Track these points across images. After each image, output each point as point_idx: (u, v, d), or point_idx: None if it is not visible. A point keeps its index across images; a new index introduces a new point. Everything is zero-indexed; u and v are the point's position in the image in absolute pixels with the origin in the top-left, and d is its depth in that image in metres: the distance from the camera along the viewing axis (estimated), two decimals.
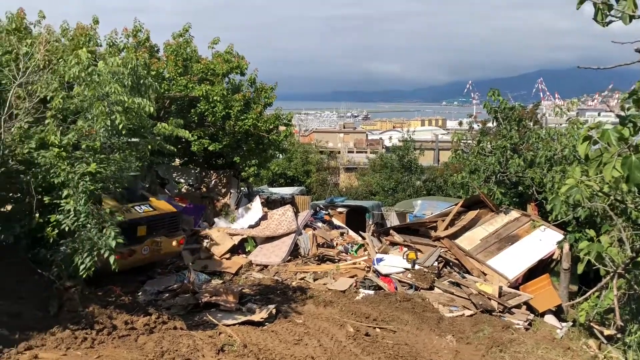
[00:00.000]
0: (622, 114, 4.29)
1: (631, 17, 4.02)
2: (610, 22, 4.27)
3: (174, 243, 11.78)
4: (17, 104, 8.45)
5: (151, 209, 11.53)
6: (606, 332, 8.81)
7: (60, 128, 8.27)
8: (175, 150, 12.88)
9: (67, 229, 7.54)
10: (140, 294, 10.78)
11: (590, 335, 9.71)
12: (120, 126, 7.80)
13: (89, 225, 7.51)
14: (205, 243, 14.08)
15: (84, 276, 7.55)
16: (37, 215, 8.15)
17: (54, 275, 8.01)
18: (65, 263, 7.71)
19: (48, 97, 8.46)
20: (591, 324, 9.03)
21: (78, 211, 7.48)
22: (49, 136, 7.94)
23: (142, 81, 8.44)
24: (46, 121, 8.19)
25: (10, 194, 8.61)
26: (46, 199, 7.98)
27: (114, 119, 7.79)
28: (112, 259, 7.43)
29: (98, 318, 7.57)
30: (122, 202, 10.96)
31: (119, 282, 10.82)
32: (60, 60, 9.10)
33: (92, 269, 7.36)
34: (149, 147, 9.37)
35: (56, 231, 7.68)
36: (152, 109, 8.21)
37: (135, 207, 11.27)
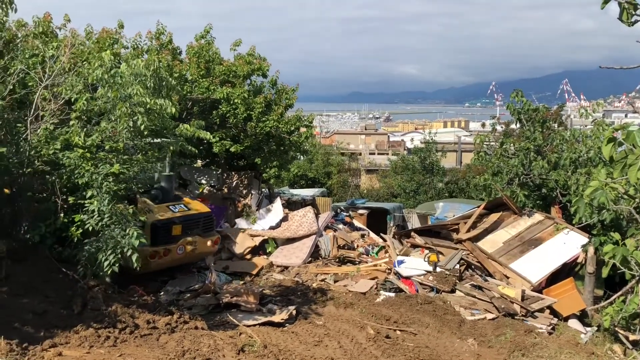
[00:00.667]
0: None
1: None
2: (636, 21, 4.20)
3: (209, 243, 11.80)
4: (43, 105, 8.63)
5: (186, 209, 11.55)
6: (631, 337, 8.65)
7: (85, 129, 8.42)
8: (197, 151, 13.01)
9: (90, 228, 7.67)
10: (162, 293, 10.88)
11: (615, 341, 9.54)
12: (142, 127, 7.91)
13: (112, 225, 7.64)
14: (227, 244, 14.16)
15: (108, 273, 7.68)
16: (62, 215, 8.31)
17: (79, 275, 8.13)
18: (89, 262, 7.84)
19: (73, 99, 8.62)
20: (616, 328, 8.88)
21: (102, 211, 7.62)
22: (73, 137, 8.09)
23: (164, 83, 8.54)
24: (71, 122, 8.35)
25: (37, 194, 8.78)
26: (71, 199, 8.14)
27: (136, 119, 7.91)
28: (135, 257, 7.55)
29: (121, 317, 7.67)
30: (156, 201, 11.11)
31: (142, 282, 10.96)
32: (84, 62, 9.26)
33: (116, 265, 7.50)
34: (171, 148, 9.49)
35: (80, 231, 7.83)
36: (174, 110, 8.31)
37: (170, 207, 11.29)
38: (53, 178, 8.32)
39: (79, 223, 7.81)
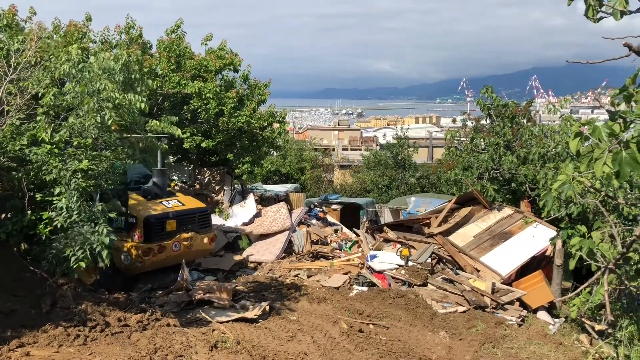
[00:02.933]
0: (613, 109, 4.30)
1: (622, 13, 4.02)
2: (601, 18, 4.28)
3: (205, 240, 11.54)
4: (8, 100, 8.42)
5: (180, 204, 11.26)
6: (597, 327, 8.86)
7: (52, 125, 8.25)
8: (168, 147, 12.86)
9: (59, 225, 7.53)
10: (134, 291, 10.75)
11: (582, 331, 9.77)
12: (110, 122, 7.77)
13: (81, 222, 7.52)
14: None
15: (74, 268, 7.57)
16: (30, 212, 8.13)
17: (47, 272, 7.98)
18: (57, 259, 7.70)
19: (39, 94, 8.43)
20: (583, 319, 9.08)
21: (70, 208, 7.48)
22: (40, 133, 7.92)
23: (133, 77, 8.41)
24: (37, 118, 8.17)
25: (3, 191, 8.58)
26: (38, 196, 7.96)
27: (103, 115, 7.77)
28: (105, 254, 7.46)
29: (91, 315, 7.55)
30: (149, 197, 10.90)
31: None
32: (51, 56, 9.07)
33: (84, 261, 7.39)
34: (141, 144, 9.36)
35: (49, 228, 7.67)
36: (143, 105, 8.19)
37: (164, 202, 11.02)
38: (20, 175, 8.13)
39: (47, 220, 7.66)
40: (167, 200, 11.14)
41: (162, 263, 10.84)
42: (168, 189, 11.96)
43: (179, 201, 11.33)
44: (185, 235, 10.97)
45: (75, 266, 7.41)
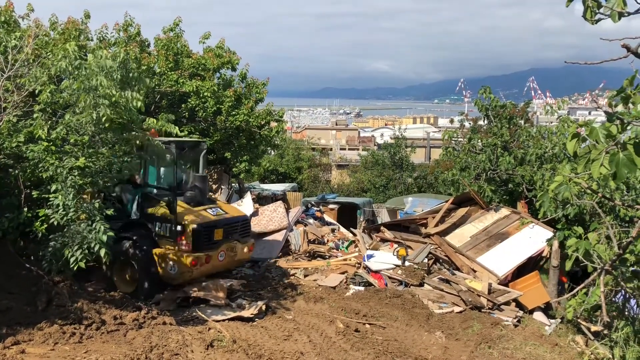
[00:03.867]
0: (611, 111, 4.31)
1: (620, 15, 4.03)
2: (600, 19, 4.28)
3: (245, 249, 11.11)
4: (6, 97, 8.40)
5: (223, 212, 10.78)
6: (593, 328, 8.87)
7: (49, 122, 8.23)
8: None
9: (56, 223, 7.51)
10: None
11: (578, 332, 9.78)
12: (104, 119, 7.75)
13: (78, 219, 7.50)
14: None
15: (74, 269, 7.52)
16: (26, 209, 8.11)
17: (43, 270, 7.96)
18: (54, 257, 7.67)
19: (37, 91, 8.41)
20: (579, 320, 9.10)
21: (67, 205, 7.46)
22: (37, 130, 7.90)
23: (131, 75, 8.39)
24: (34, 115, 8.15)
25: None
26: (35, 194, 7.94)
27: (99, 111, 7.74)
28: (102, 252, 7.41)
29: (87, 313, 7.55)
30: (192, 204, 10.38)
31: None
32: (49, 54, 9.04)
33: (83, 261, 7.35)
34: (138, 142, 9.34)
35: (45, 226, 7.65)
36: (140, 104, 8.16)
37: (208, 210, 10.51)
38: (16, 172, 8.12)
39: (43, 218, 7.64)
40: (211, 208, 10.68)
41: (207, 272, 10.38)
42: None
43: (221, 209, 10.91)
44: (230, 244, 10.60)
45: (74, 267, 7.37)
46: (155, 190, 10.65)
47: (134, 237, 10.03)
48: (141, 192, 10.46)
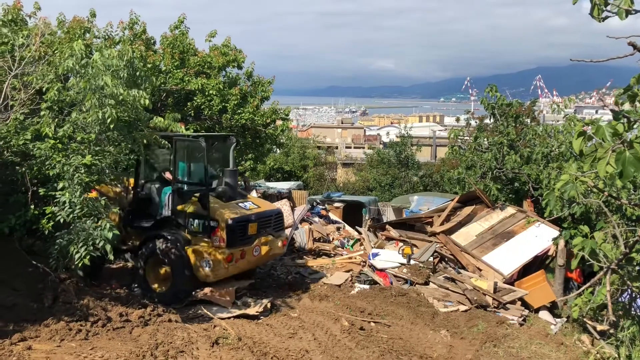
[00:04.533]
0: (617, 109, 4.29)
1: (627, 12, 4.01)
2: (607, 17, 4.26)
3: (280, 244, 10.89)
4: (13, 95, 8.44)
5: (256, 206, 10.57)
6: (599, 327, 8.84)
7: (56, 120, 8.27)
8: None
9: (62, 220, 7.55)
10: (135, 288, 10.73)
11: (584, 331, 9.75)
12: (109, 119, 7.77)
13: (84, 217, 7.53)
14: None
15: (80, 266, 7.56)
16: (33, 207, 8.15)
17: (50, 268, 8.00)
18: (60, 255, 7.70)
19: (43, 89, 8.45)
20: (584, 319, 9.07)
21: (73, 203, 7.49)
22: (44, 128, 7.94)
23: (137, 73, 8.42)
24: (41, 113, 8.19)
25: (6, 186, 8.60)
26: (41, 191, 7.99)
27: (105, 111, 7.77)
28: (108, 249, 7.44)
29: (93, 310, 7.58)
30: (224, 199, 10.22)
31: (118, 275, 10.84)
32: (55, 52, 9.07)
33: (87, 258, 7.38)
34: (145, 140, 9.36)
35: (51, 223, 7.69)
36: (147, 102, 8.19)
37: (240, 205, 10.32)
38: (23, 169, 8.16)
39: (50, 215, 7.67)
40: (243, 203, 10.46)
41: (242, 268, 10.15)
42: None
43: (253, 203, 10.71)
44: (264, 238, 10.36)
45: (79, 263, 7.40)
46: (187, 187, 10.45)
47: (166, 235, 9.86)
48: (172, 188, 10.30)
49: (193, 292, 9.76)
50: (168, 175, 10.68)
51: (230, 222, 9.58)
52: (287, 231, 14.60)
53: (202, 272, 9.59)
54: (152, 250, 9.85)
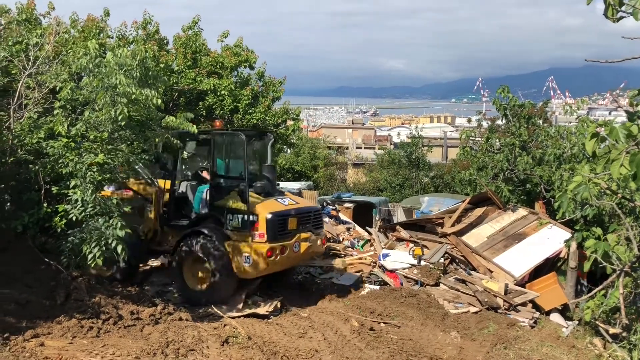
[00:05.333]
0: (632, 110, 4.26)
1: None
2: (621, 18, 4.23)
3: (319, 242, 10.67)
4: (27, 94, 8.52)
5: (294, 202, 10.41)
6: (612, 330, 8.76)
7: (69, 119, 8.33)
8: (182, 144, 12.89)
9: (74, 219, 7.60)
10: (146, 287, 10.76)
11: (596, 334, 9.67)
12: (120, 117, 7.82)
13: (96, 215, 7.57)
14: None
15: (92, 266, 7.60)
16: (46, 204, 8.22)
17: (62, 265, 8.06)
18: (73, 253, 7.76)
19: (57, 88, 8.52)
20: (597, 322, 8.99)
21: (85, 201, 7.54)
22: (57, 126, 8.00)
23: (150, 73, 8.47)
24: (55, 111, 8.25)
25: (20, 184, 8.69)
26: (54, 189, 8.05)
27: (117, 109, 7.82)
28: (120, 248, 7.46)
29: (104, 308, 7.63)
30: (262, 195, 10.08)
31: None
32: (69, 51, 9.14)
33: (101, 258, 7.41)
34: (157, 140, 9.41)
35: (64, 221, 7.74)
36: (159, 102, 8.23)
37: (279, 200, 10.19)
38: (36, 167, 8.23)
39: (62, 213, 7.73)
40: (282, 198, 10.31)
41: (282, 265, 9.99)
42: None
43: (292, 199, 10.53)
44: (304, 235, 10.12)
45: (92, 263, 7.44)
46: (226, 182, 10.34)
47: (205, 231, 9.71)
48: (210, 184, 10.23)
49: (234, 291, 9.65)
50: (205, 174, 10.65)
51: (270, 216, 9.48)
52: None
53: (242, 268, 9.45)
54: (189, 248, 9.74)
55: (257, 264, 9.40)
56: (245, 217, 9.58)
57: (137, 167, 10.18)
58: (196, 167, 11.27)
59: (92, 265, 7.47)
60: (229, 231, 9.72)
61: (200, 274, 9.93)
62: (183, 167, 11.50)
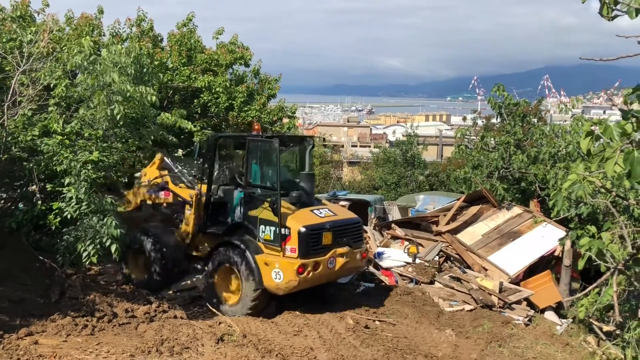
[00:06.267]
0: (626, 108, 4.26)
1: (637, 11, 3.98)
2: (616, 16, 4.24)
3: (358, 256, 9.85)
4: (21, 91, 8.48)
5: (332, 214, 9.65)
6: (605, 328, 8.81)
7: (64, 116, 8.31)
8: (178, 141, 12.88)
9: (69, 216, 7.58)
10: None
11: (590, 332, 9.72)
12: (119, 116, 7.80)
13: (90, 213, 7.56)
14: None
15: (87, 264, 7.58)
16: (40, 202, 8.20)
17: (57, 263, 8.05)
18: (67, 251, 7.74)
19: (51, 85, 8.49)
20: (591, 320, 9.04)
21: (80, 199, 7.52)
22: (52, 124, 7.98)
23: (145, 70, 8.45)
24: (49, 109, 8.23)
25: (14, 181, 8.66)
26: (49, 187, 8.03)
27: (113, 108, 7.80)
28: (114, 248, 7.45)
29: (99, 305, 7.61)
30: (297, 205, 9.40)
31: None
32: (64, 48, 9.11)
33: (95, 256, 7.40)
34: (152, 137, 9.39)
35: (58, 219, 7.73)
36: (154, 99, 8.22)
37: (314, 212, 9.44)
38: (31, 165, 8.20)
39: (57, 211, 7.71)
40: (319, 209, 9.58)
41: (314, 282, 9.25)
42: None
43: (330, 210, 9.78)
44: (340, 250, 9.35)
45: (87, 261, 7.42)
46: (260, 191, 9.78)
47: (236, 242, 9.32)
48: (242, 193, 9.72)
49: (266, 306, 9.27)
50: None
51: (302, 230, 8.83)
52: None
53: (272, 284, 8.94)
54: (222, 258, 9.42)
55: (287, 281, 8.85)
56: (277, 229, 8.97)
57: (179, 170, 9.92)
58: (235, 171, 10.75)
59: (87, 263, 7.46)
60: (261, 244, 9.22)
61: (232, 287, 9.57)
62: (225, 171, 11.12)
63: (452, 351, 8.54)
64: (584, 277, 12.46)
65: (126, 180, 12.66)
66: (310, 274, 8.92)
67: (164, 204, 10.79)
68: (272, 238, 9.03)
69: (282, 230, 8.90)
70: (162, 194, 10.61)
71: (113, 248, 7.45)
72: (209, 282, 9.60)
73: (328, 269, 9.21)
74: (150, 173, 10.87)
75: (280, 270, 8.82)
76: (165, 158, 11.01)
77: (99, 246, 7.40)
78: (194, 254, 10.19)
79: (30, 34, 9.08)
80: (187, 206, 10.28)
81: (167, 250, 10.12)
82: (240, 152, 10.56)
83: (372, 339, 8.46)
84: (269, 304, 9.32)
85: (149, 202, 10.93)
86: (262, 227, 9.17)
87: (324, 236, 9.14)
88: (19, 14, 10.98)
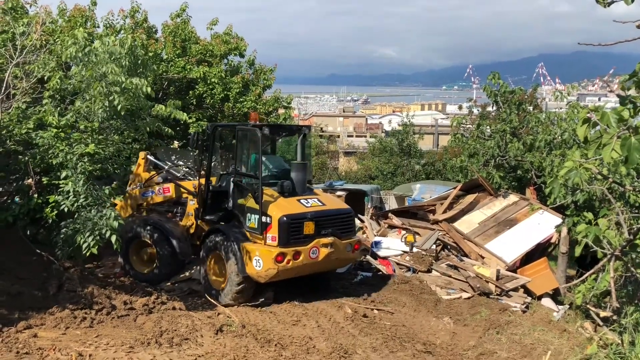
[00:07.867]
0: (623, 94, 4.27)
1: None
2: (612, 2, 4.23)
3: (347, 248, 9.84)
4: (14, 84, 8.43)
5: (319, 204, 9.65)
6: (602, 314, 8.85)
7: (58, 109, 8.27)
8: (174, 132, 12.83)
9: (66, 209, 7.57)
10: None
11: (587, 318, 9.76)
12: (119, 107, 7.77)
13: (88, 206, 7.54)
14: None
15: (87, 256, 7.58)
16: (36, 195, 8.18)
17: (54, 256, 8.04)
18: (66, 244, 7.72)
19: (45, 77, 8.44)
20: (587, 306, 9.08)
21: (77, 192, 7.50)
22: (46, 117, 7.94)
23: (139, 61, 8.40)
24: (44, 101, 8.18)
25: (9, 175, 8.63)
26: (45, 180, 8.01)
27: (112, 99, 7.77)
28: (114, 239, 7.44)
29: (97, 298, 7.62)
30: (285, 194, 9.45)
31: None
32: (57, 40, 9.05)
33: (95, 247, 7.39)
34: (147, 129, 9.35)
35: (55, 212, 7.71)
36: (149, 90, 8.17)
37: (301, 201, 9.47)
38: (26, 158, 8.17)
39: (53, 204, 7.69)
40: (306, 199, 9.58)
41: (297, 271, 9.28)
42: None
43: (318, 200, 9.76)
44: (324, 240, 9.32)
45: (87, 253, 7.42)
46: (243, 179, 9.89)
47: (222, 229, 9.48)
48: (232, 182, 9.78)
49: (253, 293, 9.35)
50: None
51: (283, 218, 8.89)
52: None
53: (254, 272, 8.99)
54: (211, 244, 9.54)
55: (267, 269, 8.88)
56: (260, 218, 9.09)
57: (182, 161, 9.86)
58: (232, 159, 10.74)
59: (87, 254, 7.46)
60: (247, 231, 9.34)
61: (220, 273, 9.61)
62: (224, 160, 11.18)
63: (450, 339, 8.58)
64: (580, 264, 12.53)
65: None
66: (290, 263, 8.93)
67: (163, 201, 10.81)
68: (256, 226, 9.14)
69: (264, 218, 9.00)
70: (159, 190, 10.59)
71: (113, 239, 7.44)
72: (203, 269, 9.74)
73: (310, 259, 9.20)
74: (141, 176, 10.77)
75: (260, 258, 8.88)
76: (148, 156, 10.89)
77: (98, 237, 7.39)
78: (197, 243, 10.23)
79: (22, 25, 9.01)
80: (191, 197, 10.37)
81: (176, 242, 10.15)
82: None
83: (370, 327, 8.50)
84: (257, 292, 9.37)
85: (144, 205, 10.91)
86: (248, 215, 9.31)
87: (306, 225, 9.14)
88: (11, 6, 10.87)
